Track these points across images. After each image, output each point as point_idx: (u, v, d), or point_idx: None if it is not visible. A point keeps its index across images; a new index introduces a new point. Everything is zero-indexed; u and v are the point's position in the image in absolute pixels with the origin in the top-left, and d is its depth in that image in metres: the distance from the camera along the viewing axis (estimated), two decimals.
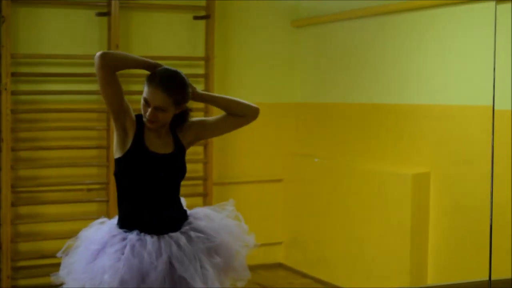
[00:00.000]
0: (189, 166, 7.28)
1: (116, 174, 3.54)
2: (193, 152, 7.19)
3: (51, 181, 6.68)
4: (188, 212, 3.67)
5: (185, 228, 3.55)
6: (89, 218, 6.40)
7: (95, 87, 6.81)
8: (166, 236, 3.46)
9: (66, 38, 6.70)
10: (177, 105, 3.48)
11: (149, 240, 3.41)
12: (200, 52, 7.17)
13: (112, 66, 3.39)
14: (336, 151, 7.00)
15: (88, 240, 3.54)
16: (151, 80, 3.44)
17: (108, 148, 6.71)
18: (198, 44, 7.17)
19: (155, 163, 3.48)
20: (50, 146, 6.66)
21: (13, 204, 6.50)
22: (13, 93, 6.45)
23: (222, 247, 3.63)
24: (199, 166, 7.23)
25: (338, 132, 6.99)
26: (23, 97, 6.60)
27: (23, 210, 6.65)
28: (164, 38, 7.07)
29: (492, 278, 2.67)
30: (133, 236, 3.43)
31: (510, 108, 4.96)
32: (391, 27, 6.35)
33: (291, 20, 7.56)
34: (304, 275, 7.22)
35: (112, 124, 3.58)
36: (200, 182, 7.22)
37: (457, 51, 5.69)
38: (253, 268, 7.42)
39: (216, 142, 7.20)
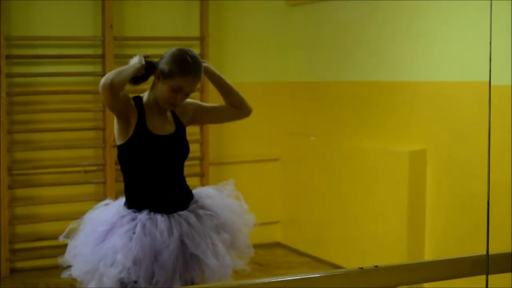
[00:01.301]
0: None
1: (120, 159, 3.55)
2: (190, 132, 7.11)
3: (47, 163, 6.68)
4: (192, 191, 3.70)
5: (193, 206, 3.59)
6: (87, 200, 6.48)
7: (90, 68, 6.81)
8: (175, 214, 3.50)
9: (60, 19, 6.68)
10: None
11: (160, 219, 3.45)
12: (195, 32, 7.15)
13: (119, 91, 3.38)
14: (332, 130, 7.00)
15: (94, 222, 3.55)
16: (184, 68, 3.45)
17: (104, 129, 6.71)
18: (192, 24, 7.15)
19: (159, 145, 3.50)
20: (46, 128, 6.66)
21: (10, 187, 6.51)
22: (8, 75, 6.44)
23: (227, 225, 3.68)
24: (196, 146, 7.22)
25: (334, 111, 6.99)
26: (18, 80, 6.59)
27: (20, 192, 6.65)
28: (159, 18, 7.05)
29: (490, 253, 2.67)
30: (143, 215, 3.45)
31: (508, 83, 4.97)
32: (385, 4, 6.33)
33: None
34: (302, 254, 7.25)
35: None
36: (197, 162, 7.23)
37: (453, 26, 5.68)
38: None
39: None
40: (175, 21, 7.13)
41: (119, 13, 6.84)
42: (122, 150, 3.52)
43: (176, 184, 3.58)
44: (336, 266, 6.61)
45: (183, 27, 7.14)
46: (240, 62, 7.44)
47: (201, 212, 3.57)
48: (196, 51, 7.11)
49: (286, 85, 7.60)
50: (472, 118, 5.47)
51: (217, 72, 3.72)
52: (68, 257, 3.53)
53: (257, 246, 7.32)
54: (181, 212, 3.52)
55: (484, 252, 2.68)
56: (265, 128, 7.55)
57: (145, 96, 3.56)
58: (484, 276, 2.78)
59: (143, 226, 3.42)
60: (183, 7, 7.15)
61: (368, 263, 2.98)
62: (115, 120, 3.51)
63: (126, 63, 3.59)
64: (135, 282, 3.36)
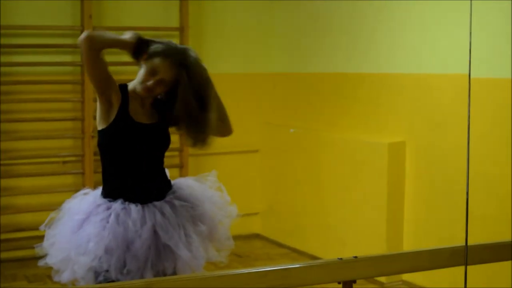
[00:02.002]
0: None
1: (100, 145, 3.51)
2: None
3: (26, 154, 6.64)
4: (172, 182, 3.68)
5: (169, 197, 3.56)
6: (65, 190, 6.44)
7: (69, 58, 6.77)
8: (150, 204, 3.47)
9: (39, 9, 6.63)
10: (181, 83, 3.45)
11: (134, 208, 3.43)
12: (175, 22, 7.13)
13: (99, 48, 3.33)
14: (312, 121, 7.01)
15: (72, 210, 3.54)
16: (165, 51, 3.43)
17: (83, 120, 6.68)
18: (172, 14, 7.12)
19: (140, 133, 3.47)
20: (24, 118, 6.62)
21: None
22: None
23: (206, 216, 3.65)
24: (175, 138, 7.17)
25: (314, 102, 7.00)
26: (4, 69, 6.52)
27: (6, 182, 6.59)
28: (138, 8, 7.02)
29: (468, 244, 2.69)
30: (117, 205, 3.44)
31: (487, 76, 5.00)
32: None
33: None
34: (281, 245, 7.26)
35: (87, 96, 3.55)
36: (176, 153, 7.21)
37: (432, 18, 5.69)
38: None
39: None
40: (154, 11, 7.10)
41: (98, 3, 6.80)
42: (102, 136, 3.48)
43: (154, 175, 3.55)
44: (315, 258, 6.63)
45: (163, 17, 7.12)
46: (220, 53, 7.42)
47: (177, 202, 3.55)
48: (175, 41, 7.11)
49: (267, 76, 7.59)
50: (451, 111, 5.49)
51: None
52: (45, 245, 3.53)
53: (236, 238, 7.28)
54: (156, 203, 3.49)
55: (463, 243, 2.70)
56: (245, 119, 7.54)
57: (130, 84, 3.52)
58: (462, 267, 2.79)
59: (117, 215, 3.40)
60: None
61: (347, 254, 2.99)
62: (98, 103, 3.47)
63: (106, 53, 3.55)
64: (107, 271, 3.35)
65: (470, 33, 2.41)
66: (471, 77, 2.80)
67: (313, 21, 7.01)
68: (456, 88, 5.41)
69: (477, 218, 4.86)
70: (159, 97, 3.54)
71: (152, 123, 3.52)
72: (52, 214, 3.59)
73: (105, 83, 3.41)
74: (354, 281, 2.85)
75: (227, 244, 3.76)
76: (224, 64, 7.45)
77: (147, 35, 7.19)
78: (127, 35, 3.48)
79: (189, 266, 3.46)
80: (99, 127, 3.49)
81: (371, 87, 6.29)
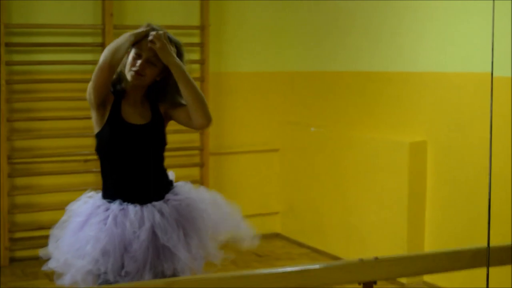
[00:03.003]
0: (185, 136, 7.33)
1: (96, 149, 3.52)
2: None
3: (47, 152, 6.67)
4: (174, 184, 3.65)
5: (169, 197, 3.54)
6: (86, 189, 6.35)
7: (89, 57, 6.78)
8: (149, 205, 3.45)
9: (60, 7, 6.65)
10: (168, 69, 3.45)
11: (132, 209, 3.40)
12: (195, 21, 7.12)
13: (116, 70, 3.37)
14: (332, 120, 6.98)
15: (75, 212, 3.53)
16: (147, 34, 3.41)
17: None
18: (193, 12, 7.12)
19: (132, 134, 3.46)
20: (45, 117, 6.64)
21: (9, 175, 6.49)
22: (8, 63, 6.41)
23: (208, 214, 3.60)
24: (196, 136, 7.21)
25: (335, 101, 6.97)
26: (17, 68, 6.56)
27: (20, 181, 6.64)
28: (159, 7, 7.02)
29: (491, 245, 2.66)
30: (115, 206, 3.42)
31: (510, 75, 4.95)
32: None
33: None
34: (301, 245, 7.24)
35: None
36: (196, 152, 7.22)
37: (455, 17, 5.65)
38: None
39: (212, 112, 7.13)
40: (175, 10, 7.10)
41: (119, 1, 6.81)
42: (97, 139, 3.49)
43: (151, 175, 3.52)
44: (336, 257, 6.61)
45: (184, 16, 7.12)
46: (240, 51, 7.41)
47: (176, 202, 3.52)
48: (196, 40, 7.17)
49: (287, 74, 7.58)
50: (473, 110, 5.45)
51: (179, 68, 3.46)
52: (50, 248, 3.51)
53: (256, 237, 7.38)
54: (155, 203, 3.46)
55: (484, 244, 2.67)
56: (265, 118, 7.54)
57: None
58: (483, 268, 2.77)
59: (115, 216, 3.38)
60: None
61: (368, 254, 2.98)
62: (92, 110, 3.47)
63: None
64: (105, 273, 3.33)
65: (493, 31, 2.38)
66: (494, 75, 2.77)
67: (334, 19, 6.98)
68: (479, 87, 5.36)
69: (499, 218, 4.82)
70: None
71: (145, 123, 3.50)
72: (64, 217, 3.58)
73: (106, 94, 3.43)
74: (375, 282, 2.83)
75: (243, 230, 3.71)
76: (245, 62, 7.45)
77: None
78: (125, 37, 3.42)
79: (189, 267, 3.44)
80: (95, 132, 3.50)
81: (393, 86, 6.26)
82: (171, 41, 3.49)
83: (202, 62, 7.05)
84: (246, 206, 7.66)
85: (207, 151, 7.19)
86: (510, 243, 3.04)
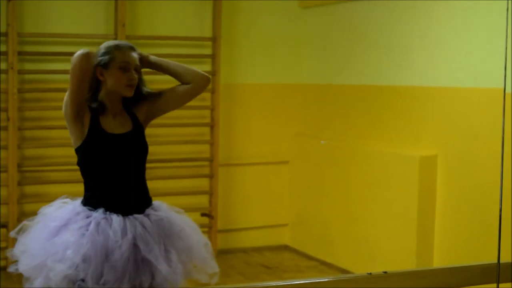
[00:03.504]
0: (194, 147, 7.34)
1: (79, 163, 3.54)
2: (199, 133, 7.19)
3: (57, 161, 6.68)
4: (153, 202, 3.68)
5: (150, 211, 3.55)
6: None
7: None
8: (131, 217, 3.45)
9: (73, 17, 6.68)
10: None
11: (115, 218, 3.41)
12: (207, 32, 7.14)
13: (91, 66, 3.40)
14: (343, 133, 6.98)
15: (48, 217, 3.53)
16: (116, 47, 3.47)
17: None
18: (205, 24, 7.14)
19: (114, 143, 3.48)
20: (56, 126, 6.64)
21: (19, 183, 6.51)
22: (20, 72, 6.44)
23: (184, 234, 3.60)
24: (205, 147, 7.22)
25: (345, 114, 6.97)
26: (29, 76, 6.59)
27: (30, 189, 6.65)
28: (171, 18, 7.04)
29: (501, 261, 2.65)
30: (98, 214, 3.42)
31: None
32: (399, 7, 6.30)
33: (299, 0, 7.52)
34: (310, 257, 7.22)
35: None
36: (206, 163, 7.22)
37: (468, 32, 5.65)
38: (258, 250, 7.52)
39: (222, 123, 7.19)
40: (187, 21, 7.12)
41: (131, 11, 6.84)
42: (79, 153, 3.51)
43: (134, 186, 3.53)
44: (344, 271, 6.59)
45: (196, 27, 7.13)
46: (251, 63, 7.42)
47: (157, 217, 3.53)
48: (207, 51, 7.19)
49: (298, 87, 7.58)
50: (484, 125, 5.44)
51: (160, 59, 3.61)
52: (16, 252, 3.49)
53: (264, 249, 7.42)
54: (137, 215, 3.47)
55: (494, 260, 2.66)
56: (275, 130, 7.54)
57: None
58: (493, 285, 2.75)
59: (97, 224, 3.38)
60: (196, 7, 7.14)
61: (377, 268, 2.97)
62: (69, 126, 3.49)
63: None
64: (83, 280, 3.31)
65: (506, 47, 2.38)
66: (506, 91, 2.77)
67: (345, 32, 6.98)
68: (490, 102, 5.35)
69: (510, 234, 4.80)
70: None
71: (125, 133, 3.52)
72: (25, 222, 3.57)
73: (82, 106, 3.44)
74: None
75: (209, 265, 3.66)
76: (256, 74, 7.46)
77: (179, 44, 7.26)
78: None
79: (168, 281, 3.42)
80: (75, 147, 3.52)
81: (404, 100, 6.25)
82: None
83: (213, 73, 7.05)
84: (255, 218, 7.75)
85: (217, 162, 7.19)
86: None
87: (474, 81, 5.55)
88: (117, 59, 3.43)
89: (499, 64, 5.09)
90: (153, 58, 3.60)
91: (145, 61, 3.57)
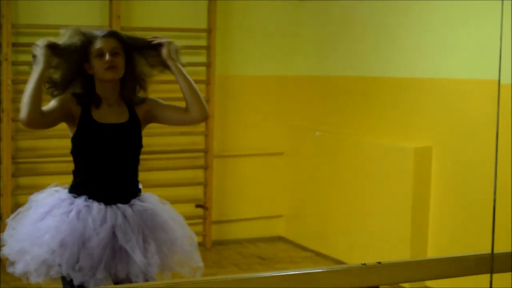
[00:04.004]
0: (189, 138, 7.34)
1: (72, 152, 3.61)
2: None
3: (51, 152, 6.67)
4: (142, 193, 3.70)
5: (135, 201, 3.59)
6: None
7: None
8: (114, 206, 3.50)
9: (67, 8, 6.66)
10: (126, 49, 3.56)
11: (96, 207, 3.46)
12: (203, 24, 7.13)
13: (41, 117, 3.44)
14: (337, 125, 6.98)
15: (37, 204, 3.59)
16: (94, 36, 3.54)
17: None
18: (200, 15, 7.13)
19: (104, 132, 3.53)
20: None
21: (13, 175, 6.50)
22: (14, 63, 6.42)
23: (167, 226, 3.63)
24: (200, 139, 7.21)
25: (340, 105, 6.97)
26: (24, 68, 6.55)
27: (24, 181, 6.64)
28: (166, 9, 7.03)
29: (494, 252, 2.65)
30: (80, 201, 3.48)
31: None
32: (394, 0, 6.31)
33: None
34: (304, 248, 7.23)
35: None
36: (201, 154, 7.22)
37: (462, 23, 5.65)
38: (253, 241, 7.53)
39: (217, 114, 7.18)
40: (183, 13, 7.11)
41: (126, 3, 6.82)
42: (72, 142, 3.58)
43: (122, 176, 3.58)
44: (339, 261, 6.60)
45: (191, 19, 7.12)
46: (247, 55, 7.41)
47: (140, 208, 3.57)
48: (202, 43, 7.17)
49: (293, 78, 7.58)
50: (479, 116, 5.44)
51: (181, 67, 3.63)
52: (5, 236, 3.55)
53: (259, 240, 7.42)
54: (120, 205, 3.52)
55: (488, 251, 2.66)
56: (270, 122, 7.54)
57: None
58: (487, 275, 2.76)
59: (78, 211, 3.44)
60: None
61: (371, 259, 2.97)
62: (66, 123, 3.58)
63: None
64: (60, 265, 3.37)
65: (501, 37, 2.38)
66: (501, 83, 2.77)
67: (341, 23, 6.98)
68: (485, 93, 5.36)
69: (504, 225, 4.81)
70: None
71: (119, 123, 3.56)
72: (20, 209, 3.62)
73: (62, 117, 3.52)
74: (377, 287, 2.82)
75: (193, 259, 3.68)
76: (251, 66, 7.45)
77: (174, 36, 7.23)
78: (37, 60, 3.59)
79: (142, 272, 3.45)
80: (71, 136, 3.59)
81: (399, 91, 6.25)
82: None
83: (208, 65, 7.05)
84: (250, 209, 7.74)
85: (212, 154, 7.19)
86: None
87: (469, 72, 5.56)
88: (93, 50, 3.52)
89: (493, 55, 5.09)
90: (178, 64, 3.60)
91: (170, 60, 3.58)
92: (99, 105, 3.54)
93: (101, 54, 3.50)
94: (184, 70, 3.61)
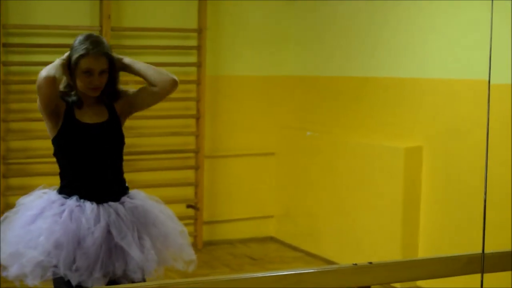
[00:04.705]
0: (180, 139, 7.33)
1: (55, 153, 3.61)
2: (185, 125, 7.17)
3: (42, 153, 6.64)
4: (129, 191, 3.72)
5: (126, 199, 3.60)
6: None
7: None
8: (105, 204, 3.51)
9: (58, 8, 6.64)
10: (111, 66, 3.55)
11: (89, 206, 3.46)
12: (193, 24, 7.12)
13: (59, 84, 3.46)
14: (328, 125, 6.99)
15: (26, 206, 3.58)
16: (85, 49, 3.48)
17: None
18: (191, 15, 7.12)
19: (87, 132, 3.53)
20: (41, 118, 6.58)
21: (4, 176, 6.48)
22: (4, 64, 6.40)
23: (159, 222, 3.65)
24: (191, 139, 7.21)
25: (331, 106, 6.98)
26: (14, 68, 6.55)
27: (15, 181, 6.62)
28: (157, 9, 7.01)
29: (485, 252, 2.67)
30: (72, 202, 3.48)
31: (507, 82, 4.96)
32: (386, 1, 6.31)
33: None
34: (295, 249, 7.23)
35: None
36: (191, 155, 7.21)
37: (452, 24, 5.66)
38: (244, 241, 7.52)
39: (208, 114, 7.18)
40: (173, 13, 7.10)
41: (117, 3, 6.81)
42: (55, 144, 3.57)
43: (109, 174, 3.59)
44: (329, 262, 6.61)
45: (181, 19, 7.11)
46: (237, 55, 7.41)
47: (131, 205, 3.58)
48: (193, 43, 7.16)
49: (284, 79, 7.57)
50: (469, 116, 5.46)
51: (131, 60, 3.68)
52: None
53: (250, 240, 7.42)
54: (111, 203, 3.53)
55: (479, 250, 2.68)
56: (261, 122, 7.53)
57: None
58: (478, 275, 2.77)
59: (71, 211, 3.44)
60: None
61: (362, 259, 2.98)
62: (45, 120, 3.56)
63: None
64: (56, 267, 3.36)
65: (491, 37, 2.39)
66: (492, 83, 2.78)
67: (331, 24, 6.99)
68: (475, 94, 5.37)
69: (494, 225, 4.82)
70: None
71: (100, 122, 3.57)
72: (7, 213, 3.61)
73: (56, 104, 3.50)
74: (369, 287, 2.83)
75: (186, 252, 3.70)
76: (242, 66, 7.44)
77: (165, 36, 7.24)
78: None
79: (140, 268, 3.46)
80: (51, 138, 3.57)
81: (389, 92, 6.26)
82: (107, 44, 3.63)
83: (198, 65, 7.05)
84: (241, 209, 7.74)
85: (202, 154, 7.18)
86: (505, 249, 3.04)
87: (459, 73, 5.57)
88: (82, 65, 3.47)
89: (483, 55, 5.11)
90: (127, 60, 3.66)
91: (119, 63, 3.62)
92: (81, 106, 3.55)
93: (89, 72, 3.48)
94: (135, 62, 3.66)
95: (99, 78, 3.48)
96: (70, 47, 3.55)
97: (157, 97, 3.66)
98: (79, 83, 3.50)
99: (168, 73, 3.64)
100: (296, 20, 7.47)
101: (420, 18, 5.95)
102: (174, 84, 3.63)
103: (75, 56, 3.48)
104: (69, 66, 3.51)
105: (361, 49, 6.60)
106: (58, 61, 3.49)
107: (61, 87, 3.55)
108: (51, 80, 3.38)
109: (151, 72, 3.62)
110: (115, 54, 3.63)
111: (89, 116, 3.56)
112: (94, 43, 3.49)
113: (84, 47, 3.48)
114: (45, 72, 3.39)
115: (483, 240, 2.52)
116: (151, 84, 3.61)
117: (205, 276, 3.36)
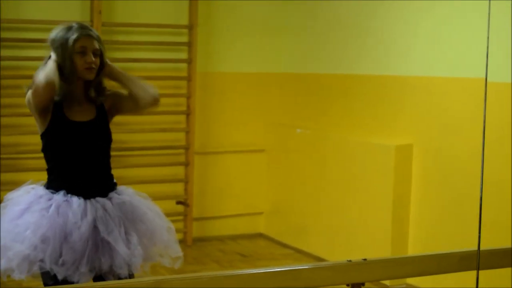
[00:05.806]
0: (170, 135, 7.32)
1: (43, 149, 3.62)
2: (175, 121, 7.17)
3: (35, 148, 6.55)
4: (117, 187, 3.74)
5: (113, 194, 3.63)
6: None
7: None
8: (93, 200, 3.53)
9: (50, 3, 6.62)
10: (102, 53, 3.60)
11: (76, 201, 3.49)
12: (184, 20, 7.11)
13: (52, 87, 3.44)
14: (319, 122, 6.99)
15: (14, 201, 3.59)
16: (78, 31, 3.54)
17: None
18: (182, 11, 7.11)
19: (76, 130, 3.55)
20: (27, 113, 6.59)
21: None
22: None
23: (146, 218, 3.68)
24: (181, 135, 7.20)
25: (322, 103, 6.99)
26: (7, 63, 6.52)
27: (7, 177, 6.58)
28: (148, 5, 7.00)
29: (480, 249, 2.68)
30: (59, 196, 3.50)
31: (504, 81, 4.97)
32: None
33: None
34: (285, 245, 7.24)
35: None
36: (181, 151, 7.21)
37: (446, 21, 5.67)
38: (233, 238, 7.53)
39: (198, 111, 7.18)
40: (164, 8, 7.08)
41: None
42: (43, 139, 3.59)
43: (97, 170, 3.62)
44: (319, 259, 6.62)
45: (172, 15, 7.10)
46: (227, 52, 7.41)
47: (119, 201, 3.61)
48: (184, 39, 7.15)
49: (274, 76, 7.58)
50: (459, 114, 5.47)
51: (117, 68, 3.71)
52: None
53: (240, 237, 7.42)
54: (99, 198, 3.55)
55: (470, 247, 2.69)
56: (251, 119, 7.54)
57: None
58: (470, 272, 2.79)
59: (58, 206, 3.46)
60: None
61: (352, 256, 2.99)
62: (34, 116, 3.58)
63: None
64: (41, 261, 3.38)
65: (488, 35, 2.40)
66: (488, 81, 2.79)
67: (322, 21, 6.99)
68: (467, 91, 5.39)
69: (486, 223, 4.84)
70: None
71: (89, 120, 3.60)
72: (1, 206, 3.62)
73: (47, 105, 3.51)
74: (363, 284, 2.84)
75: (172, 249, 3.72)
76: (232, 63, 7.45)
77: (155, 31, 7.21)
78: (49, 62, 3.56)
79: (126, 263, 3.48)
80: (40, 133, 3.60)
81: (380, 89, 6.28)
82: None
83: (189, 61, 7.04)
84: (231, 206, 7.74)
85: (192, 150, 7.18)
86: (497, 247, 3.06)
87: (451, 71, 5.58)
88: (76, 46, 3.51)
89: (477, 53, 5.13)
90: (115, 66, 3.68)
91: (107, 66, 3.64)
92: (71, 103, 3.57)
93: (83, 52, 3.51)
94: (119, 70, 3.69)
95: (92, 57, 3.51)
96: (51, 42, 3.62)
97: (136, 110, 3.76)
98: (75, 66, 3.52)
99: (152, 90, 3.66)
100: (287, 17, 7.47)
101: (411, 15, 5.96)
102: (154, 102, 3.66)
103: (70, 42, 3.51)
104: (59, 65, 3.52)
105: (352, 46, 6.61)
106: (52, 63, 3.50)
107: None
108: (52, 85, 3.39)
109: (131, 84, 3.65)
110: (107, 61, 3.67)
111: (78, 114, 3.58)
112: (84, 26, 3.59)
113: (75, 31, 3.54)
114: (45, 77, 3.40)
115: (479, 237, 2.54)
116: (132, 97, 3.64)
117: (194, 272, 3.37)
